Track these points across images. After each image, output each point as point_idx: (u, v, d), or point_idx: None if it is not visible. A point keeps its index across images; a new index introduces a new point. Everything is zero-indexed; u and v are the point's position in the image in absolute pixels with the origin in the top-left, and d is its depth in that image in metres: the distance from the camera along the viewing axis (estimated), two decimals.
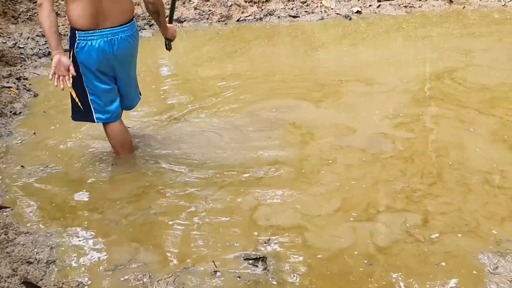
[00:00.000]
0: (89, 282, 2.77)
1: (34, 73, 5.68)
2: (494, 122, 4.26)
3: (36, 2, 3.90)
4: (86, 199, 3.50)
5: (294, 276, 2.78)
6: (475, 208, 3.25)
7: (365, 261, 2.86)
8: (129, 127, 4.14)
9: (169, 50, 4.01)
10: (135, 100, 3.96)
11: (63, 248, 3.02)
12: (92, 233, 3.18)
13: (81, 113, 3.68)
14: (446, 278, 2.72)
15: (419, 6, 7.63)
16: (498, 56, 5.79)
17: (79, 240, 3.11)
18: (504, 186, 3.47)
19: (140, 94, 4.02)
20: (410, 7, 7.62)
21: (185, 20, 7.31)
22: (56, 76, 3.30)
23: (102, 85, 3.57)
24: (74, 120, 3.80)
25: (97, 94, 3.59)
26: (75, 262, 2.93)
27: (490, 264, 2.78)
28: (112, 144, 3.87)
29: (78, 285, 2.72)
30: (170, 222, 3.24)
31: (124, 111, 3.93)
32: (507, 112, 4.42)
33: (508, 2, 7.58)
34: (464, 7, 7.56)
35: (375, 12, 7.53)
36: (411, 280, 2.73)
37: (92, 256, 2.98)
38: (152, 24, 7.06)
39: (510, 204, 3.28)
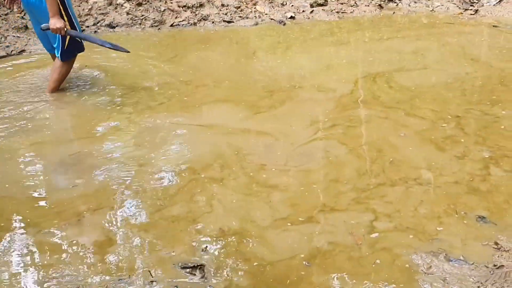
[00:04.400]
0: None
1: None
2: (422, 123, 4.37)
3: None
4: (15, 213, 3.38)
5: (233, 283, 2.75)
6: (413, 207, 3.32)
7: (305, 263, 2.87)
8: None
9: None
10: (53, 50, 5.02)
11: None
12: (21, 242, 3.07)
13: None
14: (380, 279, 2.76)
15: (351, 12, 7.76)
16: (427, 58, 5.94)
17: (8, 249, 3.00)
18: (438, 184, 3.55)
19: (61, 56, 4.93)
20: (342, 12, 7.74)
21: (117, 26, 7.17)
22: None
23: (34, 24, 5.08)
24: None
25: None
26: None
27: (424, 264, 2.84)
28: None
29: None
30: (104, 231, 3.16)
31: None
32: (426, 113, 4.56)
33: (436, 7, 7.81)
34: (394, 13, 7.74)
35: (309, 18, 7.61)
36: (348, 280, 2.75)
37: (20, 269, 2.87)
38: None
39: (445, 201, 3.37)
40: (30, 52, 6.31)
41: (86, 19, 7.15)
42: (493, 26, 7.01)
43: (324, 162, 3.85)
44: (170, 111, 4.70)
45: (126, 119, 4.56)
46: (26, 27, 6.78)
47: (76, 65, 5.33)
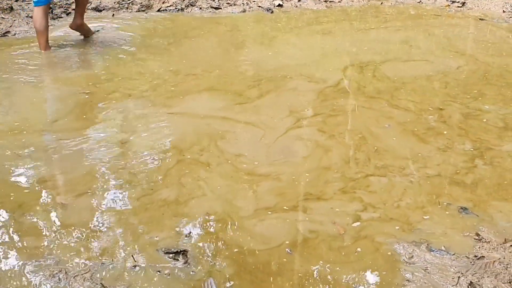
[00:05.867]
0: None
1: None
2: (407, 115, 4.39)
3: None
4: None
5: (215, 269, 2.76)
6: (396, 197, 3.35)
7: (287, 250, 2.88)
8: None
9: None
10: None
11: None
12: (5, 226, 3.06)
13: None
14: (362, 268, 2.78)
15: (339, 1, 7.74)
16: (414, 49, 5.96)
17: None
18: (422, 175, 3.57)
19: None
20: (330, 1, 7.72)
21: (103, 9, 7.10)
22: None
23: None
24: None
25: None
26: None
27: (406, 254, 2.86)
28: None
29: None
30: (87, 216, 3.15)
31: None
32: (411, 104, 4.58)
33: None
34: (382, 3, 7.74)
35: (296, 6, 7.59)
36: (330, 269, 2.77)
37: (2, 252, 2.86)
38: (69, 13, 6.83)
39: (428, 192, 3.40)
40: (15, 33, 6.24)
41: (73, 1, 7.06)
42: (480, 19, 7.04)
43: (307, 151, 3.86)
44: (156, 99, 4.67)
45: (111, 106, 4.53)
46: (11, 8, 6.69)
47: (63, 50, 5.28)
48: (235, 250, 2.89)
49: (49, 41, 5.66)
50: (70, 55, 5.61)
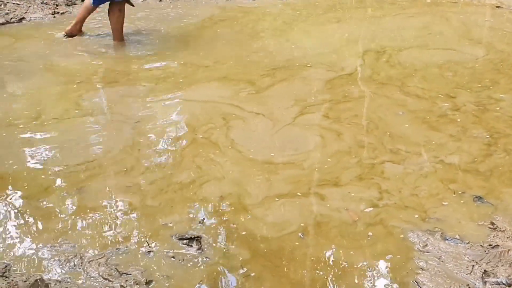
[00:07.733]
0: (13, 264, 2.67)
1: None
2: (421, 103, 4.37)
3: None
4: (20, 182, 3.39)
5: (229, 255, 2.77)
6: (411, 186, 3.33)
7: (300, 234, 2.89)
8: None
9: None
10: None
11: None
12: (18, 211, 3.09)
13: None
14: (375, 255, 2.78)
15: None
16: (430, 37, 5.92)
17: (6, 219, 3.02)
18: (436, 163, 3.55)
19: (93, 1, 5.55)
20: None
21: None
22: None
23: None
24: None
25: None
26: None
27: (420, 242, 2.85)
28: None
29: (6, 267, 2.62)
30: (101, 201, 3.17)
31: None
32: (427, 92, 4.56)
33: None
34: None
35: None
36: (343, 253, 2.77)
37: (18, 238, 2.88)
38: None
39: (442, 181, 3.37)
40: (30, 19, 6.26)
41: None
42: (497, 7, 6.97)
43: (320, 138, 3.86)
44: (165, 90, 4.68)
45: (113, 94, 4.61)
46: None
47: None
48: (249, 235, 2.89)
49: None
50: (85, 44, 5.64)
